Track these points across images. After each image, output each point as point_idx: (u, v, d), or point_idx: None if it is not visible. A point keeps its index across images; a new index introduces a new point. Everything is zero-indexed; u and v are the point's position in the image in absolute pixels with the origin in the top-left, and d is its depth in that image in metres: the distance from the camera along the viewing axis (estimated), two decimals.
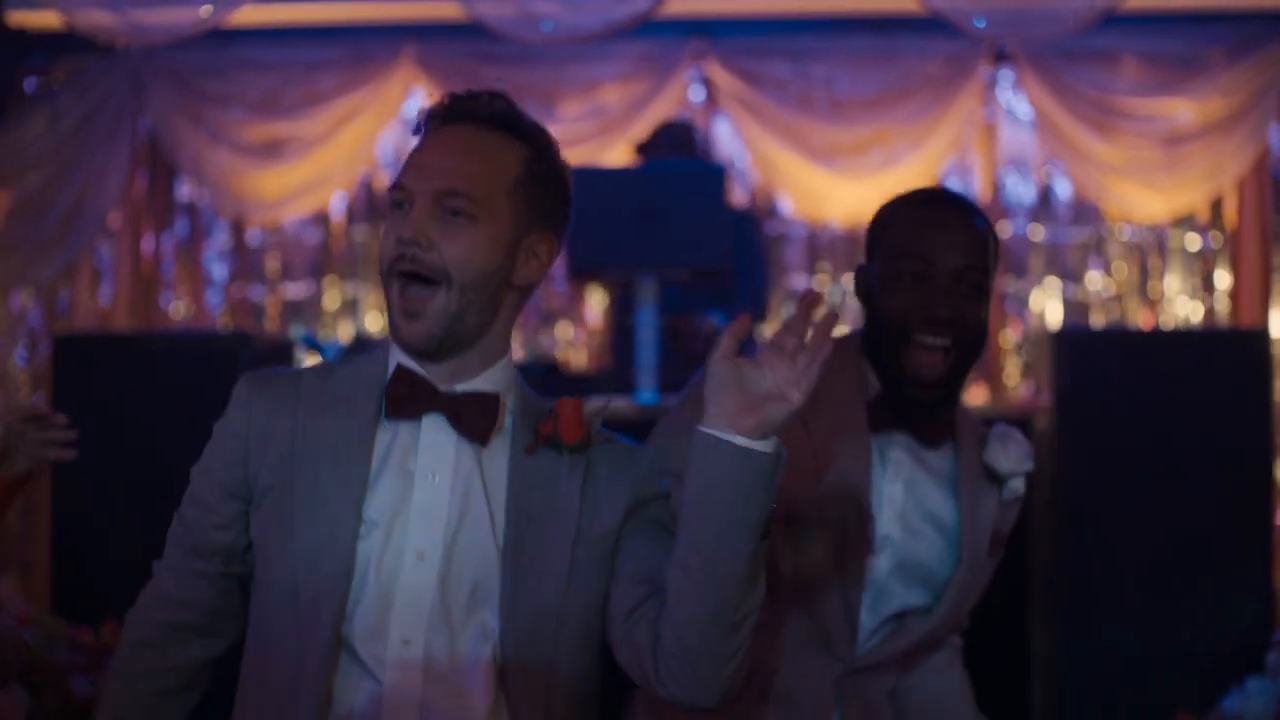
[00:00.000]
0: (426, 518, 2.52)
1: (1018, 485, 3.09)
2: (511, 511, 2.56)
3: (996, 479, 3.09)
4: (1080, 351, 5.10)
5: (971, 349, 2.97)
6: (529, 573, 2.55)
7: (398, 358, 2.61)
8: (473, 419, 2.56)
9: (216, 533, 2.59)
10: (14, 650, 3.70)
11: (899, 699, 3.19)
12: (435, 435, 2.55)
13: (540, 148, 2.60)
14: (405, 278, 2.51)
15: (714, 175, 5.12)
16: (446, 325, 2.50)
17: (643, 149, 5.98)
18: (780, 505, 2.44)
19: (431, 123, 2.63)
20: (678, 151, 5.86)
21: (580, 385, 5.37)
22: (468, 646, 2.52)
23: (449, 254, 2.50)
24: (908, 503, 3.07)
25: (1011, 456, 3.07)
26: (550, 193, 2.59)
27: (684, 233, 4.89)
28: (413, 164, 2.58)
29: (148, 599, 2.64)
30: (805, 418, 2.89)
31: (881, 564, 3.05)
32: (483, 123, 2.60)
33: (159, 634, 2.62)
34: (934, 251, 2.95)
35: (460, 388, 2.56)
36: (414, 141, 2.67)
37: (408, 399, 2.56)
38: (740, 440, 2.32)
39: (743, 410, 2.32)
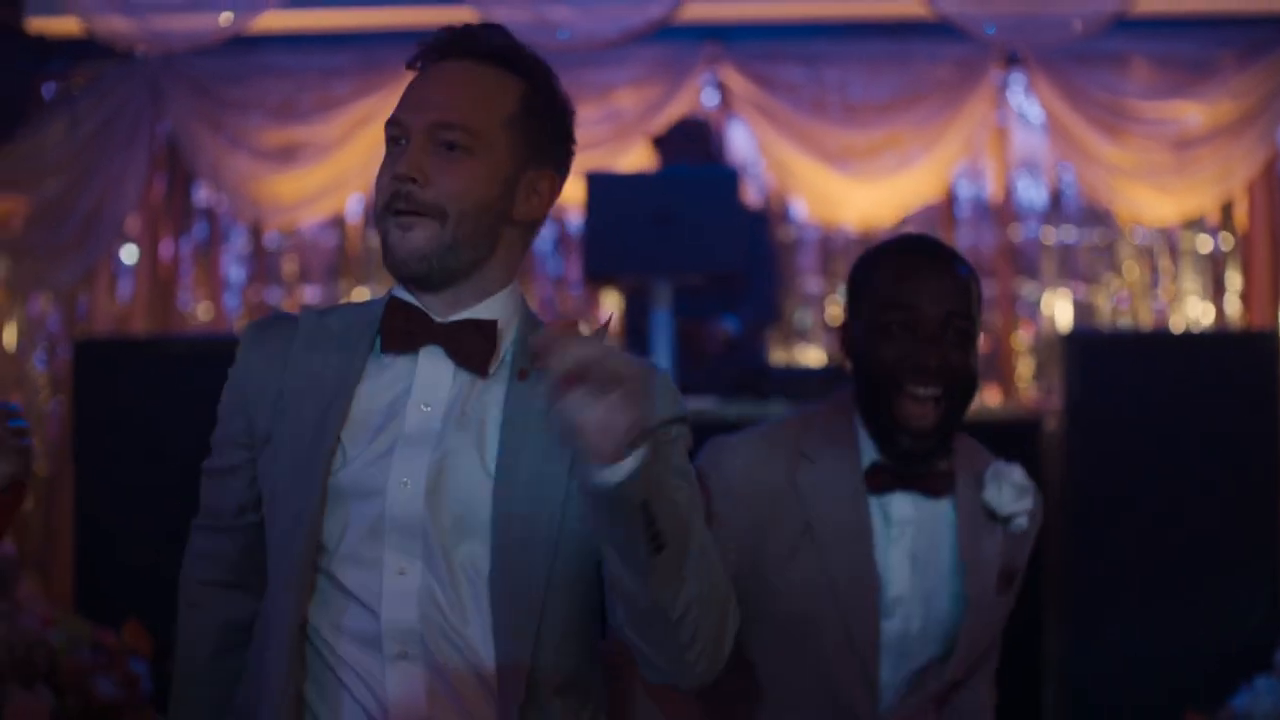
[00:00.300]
0: (413, 446, 2.45)
1: (1021, 522, 3.07)
2: (504, 440, 2.48)
3: (998, 519, 3.09)
4: (1091, 354, 5.12)
5: (963, 396, 2.97)
6: (521, 500, 2.46)
7: (397, 294, 2.56)
8: (470, 348, 2.50)
9: (230, 482, 2.57)
10: (39, 651, 3.75)
11: None
12: (432, 367, 2.50)
13: (538, 81, 2.55)
14: (400, 215, 2.47)
15: (727, 179, 5.16)
16: (439, 250, 2.46)
17: (659, 143, 6.00)
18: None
19: (428, 58, 2.58)
20: (692, 147, 5.89)
21: None
22: (462, 578, 2.44)
23: (444, 188, 2.46)
24: (917, 562, 3.05)
25: (1008, 497, 3.07)
26: (549, 127, 2.56)
27: (698, 236, 4.92)
28: (408, 99, 2.54)
29: (188, 558, 2.63)
30: (797, 481, 3.00)
31: (895, 626, 3.03)
32: (479, 57, 2.55)
33: (200, 593, 2.62)
34: (919, 300, 2.94)
35: (455, 317, 2.50)
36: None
37: (402, 331, 2.51)
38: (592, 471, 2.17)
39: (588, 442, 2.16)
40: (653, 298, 4.90)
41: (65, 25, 6.41)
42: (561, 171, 2.60)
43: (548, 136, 2.55)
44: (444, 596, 2.43)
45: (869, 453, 3.03)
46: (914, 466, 3.00)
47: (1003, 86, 6.94)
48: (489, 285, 2.54)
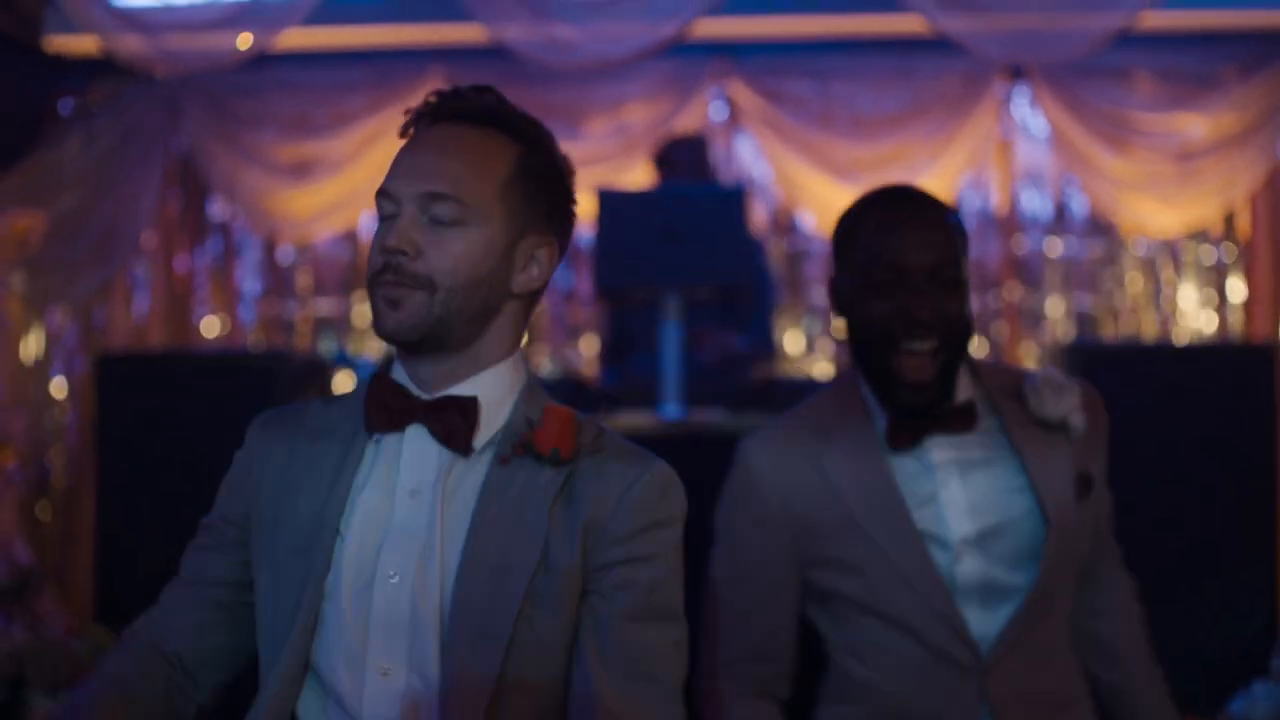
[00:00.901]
0: (402, 537, 2.35)
1: (1076, 422, 3.01)
2: (472, 529, 2.37)
3: (1052, 425, 3.02)
4: (1094, 365, 5.18)
5: (958, 344, 2.93)
6: (478, 596, 2.34)
7: (382, 370, 2.47)
8: (451, 426, 2.39)
9: (215, 556, 2.46)
10: (62, 660, 3.82)
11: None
12: (418, 447, 2.39)
13: (534, 143, 2.45)
14: (388, 288, 2.34)
15: (734, 196, 5.23)
16: (428, 323, 2.35)
17: (657, 161, 6.03)
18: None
19: (418, 124, 2.48)
20: (690, 163, 5.92)
21: (606, 400, 5.46)
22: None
23: (435, 262, 2.36)
24: (976, 498, 2.98)
25: (1050, 401, 3.01)
26: (547, 191, 2.45)
27: (706, 251, 4.98)
28: (398, 168, 2.42)
29: (146, 613, 2.49)
30: (823, 468, 2.98)
31: (973, 567, 2.95)
32: (471, 120, 2.45)
33: (134, 649, 2.45)
34: (905, 254, 2.91)
35: (441, 393, 2.40)
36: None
37: (385, 409, 2.41)
38: None
39: None
40: (662, 311, 4.96)
41: (83, 44, 6.49)
42: (563, 238, 2.51)
43: (546, 201, 2.45)
44: (427, 699, 2.34)
45: (881, 415, 3.00)
46: (928, 412, 2.95)
47: (1007, 99, 7.00)
48: (484, 359, 2.44)
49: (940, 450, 2.99)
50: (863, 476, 2.98)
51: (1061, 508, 2.98)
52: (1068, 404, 3.01)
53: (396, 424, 2.41)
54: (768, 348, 6.02)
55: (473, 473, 2.40)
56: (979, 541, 2.96)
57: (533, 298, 2.52)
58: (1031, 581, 2.95)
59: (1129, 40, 6.51)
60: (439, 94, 2.50)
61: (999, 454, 3.01)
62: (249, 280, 7.38)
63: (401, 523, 2.37)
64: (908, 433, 2.98)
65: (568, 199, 2.51)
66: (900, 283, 2.91)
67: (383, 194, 2.43)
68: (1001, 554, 2.96)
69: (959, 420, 2.98)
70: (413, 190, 2.40)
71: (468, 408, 2.40)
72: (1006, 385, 3.05)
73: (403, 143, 2.49)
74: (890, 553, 2.95)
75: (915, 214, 2.96)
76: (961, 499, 2.98)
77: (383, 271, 2.37)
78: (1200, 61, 6.90)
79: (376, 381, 2.44)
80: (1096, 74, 6.80)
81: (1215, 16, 6.85)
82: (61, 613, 4.94)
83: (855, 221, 3.02)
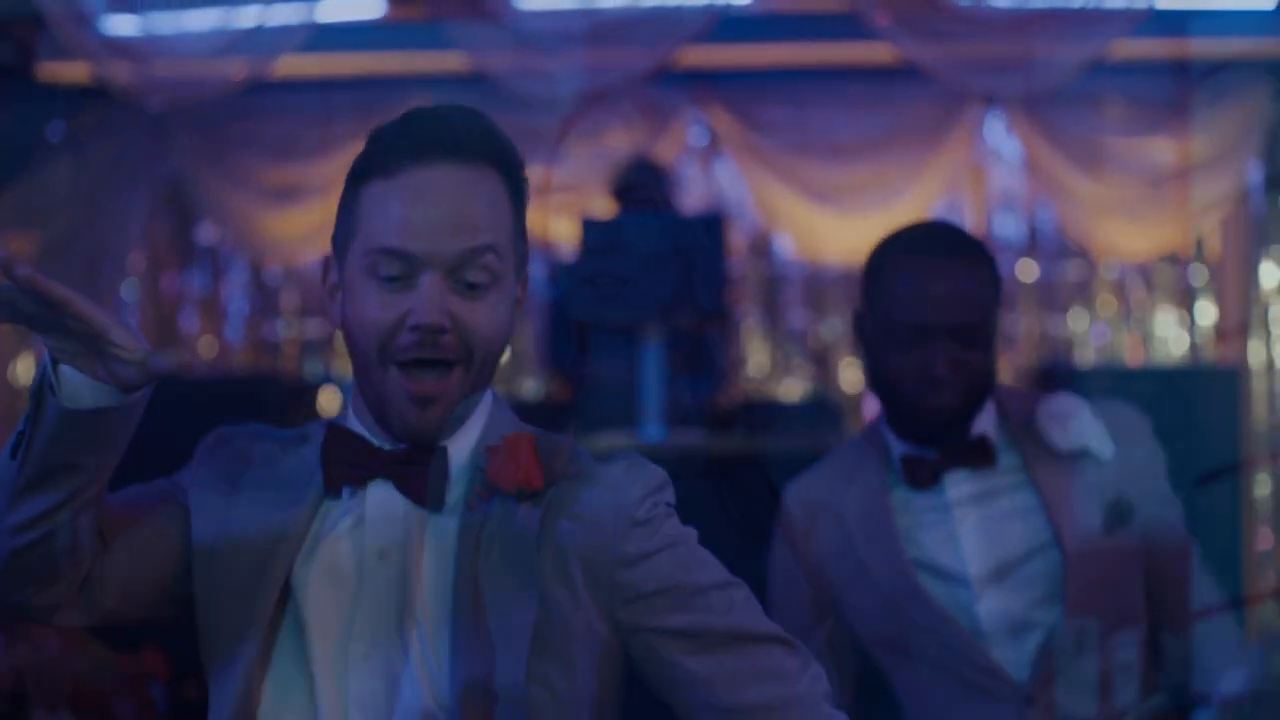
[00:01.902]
0: (373, 606, 2.09)
1: (1103, 448, 2.90)
2: (457, 595, 2.08)
3: (1073, 456, 2.90)
4: (1066, 387, 5.28)
5: (980, 389, 2.85)
6: (480, 666, 2.07)
7: (337, 422, 2.16)
8: (418, 481, 2.11)
9: (167, 509, 2.15)
10: (62, 676, 3.90)
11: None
12: (385, 503, 2.11)
13: (520, 179, 2.15)
14: (417, 364, 2.04)
15: (713, 223, 5.33)
16: (458, 408, 2.09)
17: (620, 195, 5.99)
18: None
19: (397, 160, 2.07)
20: (647, 190, 5.92)
21: (587, 421, 5.54)
22: None
23: (474, 333, 2.05)
24: (992, 533, 2.90)
25: (1060, 433, 2.90)
26: (524, 222, 2.16)
27: (686, 278, 5.07)
28: (404, 224, 2.03)
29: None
30: (835, 503, 2.92)
31: (994, 606, 2.87)
32: (465, 155, 2.10)
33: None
34: (928, 311, 2.80)
35: (402, 444, 2.11)
36: (375, 187, 2.09)
37: (344, 464, 2.12)
38: None
39: None
40: (643, 337, 5.05)
41: (74, 72, 6.55)
42: (528, 270, 2.22)
43: (526, 238, 2.18)
44: None
45: (897, 448, 2.93)
46: (943, 445, 2.87)
47: (981, 125, 7.11)
48: (459, 412, 2.14)
49: (957, 487, 2.91)
50: (868, 517, 2.93)
51: (1083, 540, 2.88)
52: (1080, 433, 2.91)
53: (358, 480, 2.13)
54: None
55: (448, 527, 2.11)
56: (998, 578, 2.89)
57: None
58: (1058, 616, 2.86)
59: (1101, 68, 6.62)
60: (419, 119, 2.15)
61: (1018, 488, 2.93)
62: (236, 302, 7.47)
63: (372, 589, 2.11)
64: (925, 470, 2.91)
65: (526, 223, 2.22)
66: (920, 339, 2.83)
67: (390, 253, 2.06)
68: (1022, 590, 2.88)
69: (976, 455, 2.91)
70: (443, 252, 2.06)
71: (436, 460, 2.11)
72: (1028, 416, 2.94)
73: (375, 183, 2.11)
74: (887, 591, 2.88)
75: (943, 266, 2.85)
76: (979, 535, 2.90)
77: (413, 349, 2.05)
78: (1171, 89, 7.01)
79: (333, 433, 2.16)
80: (1069, 99, 6.91)
81: (1185, 45, 6.96)
82: (58, 630, 4.98)
83: (882, 262, 2.92)
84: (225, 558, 2.14)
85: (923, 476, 2.91)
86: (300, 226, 6.97)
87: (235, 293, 7.48)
